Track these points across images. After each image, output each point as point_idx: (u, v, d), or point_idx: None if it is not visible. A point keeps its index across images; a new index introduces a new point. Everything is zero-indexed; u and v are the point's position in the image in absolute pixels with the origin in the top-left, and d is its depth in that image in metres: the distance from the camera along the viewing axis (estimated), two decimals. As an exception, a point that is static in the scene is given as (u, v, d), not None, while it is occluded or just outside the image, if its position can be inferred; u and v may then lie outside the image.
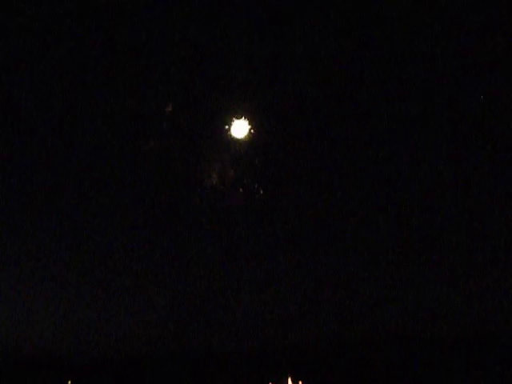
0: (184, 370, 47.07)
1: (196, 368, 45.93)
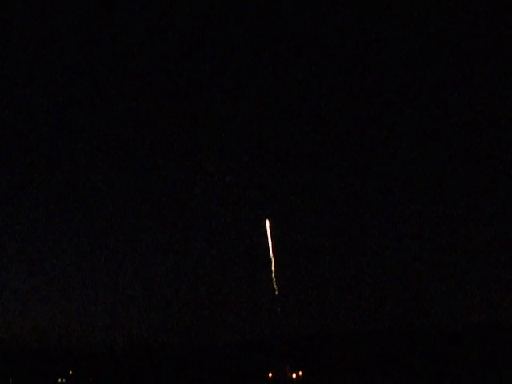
0: (189, 359, 48.00)
1: (201, 358, 46.94)
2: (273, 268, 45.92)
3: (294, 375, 45.02)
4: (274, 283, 46.24)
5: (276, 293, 45.91)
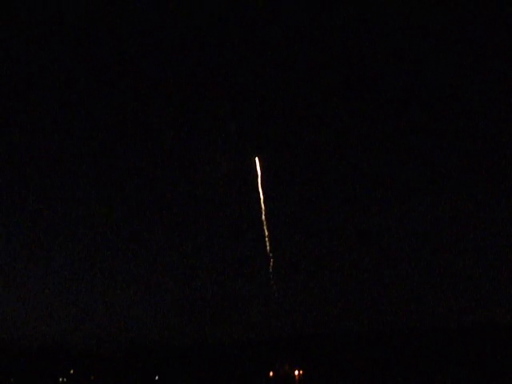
0: (190, 359, 48.21)
1: (202, 358, 47.13)
2: (271, 269, 45.99)
3: (296, 372, 45.25)
4: (273, 283, 46.33)
5: (274, 286, 46.03)
